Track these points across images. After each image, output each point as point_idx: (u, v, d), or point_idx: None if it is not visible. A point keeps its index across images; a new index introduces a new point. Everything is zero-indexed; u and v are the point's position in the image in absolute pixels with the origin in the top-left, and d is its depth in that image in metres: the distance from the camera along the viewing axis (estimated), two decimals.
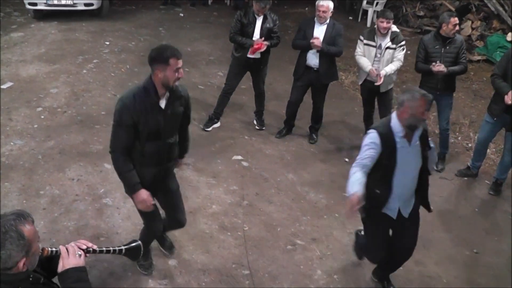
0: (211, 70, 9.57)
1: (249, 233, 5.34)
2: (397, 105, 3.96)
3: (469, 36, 12.78)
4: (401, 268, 4.80)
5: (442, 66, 6.45)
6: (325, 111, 7.52)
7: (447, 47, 6.56)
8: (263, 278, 4.75)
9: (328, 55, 6.78)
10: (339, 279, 4.87)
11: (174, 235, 5.08)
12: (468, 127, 8.35)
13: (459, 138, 8.05)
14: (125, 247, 2.82)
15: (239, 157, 6.70)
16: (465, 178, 6.90)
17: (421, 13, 14.21)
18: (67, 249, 2.53)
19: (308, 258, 5.09)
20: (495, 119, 6.31)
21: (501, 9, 12.54)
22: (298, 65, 7.03)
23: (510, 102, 5.89)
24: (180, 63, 3.80)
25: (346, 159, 7.01)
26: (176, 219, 4.54)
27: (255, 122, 7.56)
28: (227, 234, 5.27)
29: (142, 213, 4.26)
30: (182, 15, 13.26)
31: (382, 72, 6.51)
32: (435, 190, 6.57)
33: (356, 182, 3.86)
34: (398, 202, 4.19)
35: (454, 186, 6.78)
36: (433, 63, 6.49)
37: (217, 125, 7.39)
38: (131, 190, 4.04)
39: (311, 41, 6.61)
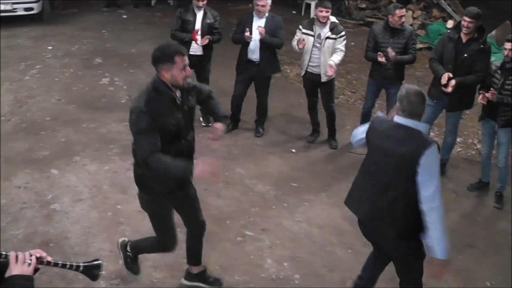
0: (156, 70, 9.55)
1: None
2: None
3: (411, 25, 13.10)
4: (349, 250, 4.97)
5: (393, 53, 6.68)
6: (271, 104, 7.66)
7: (396, 38, 6.78)
8: (214, 271, 4.83)
9: (269, 46, 6.91)
10: (289, 266, 5.00)
11: (125, 234, 5.11)
12: None
13: None
14: (84, 264, 2.66)
15: None
16: None
17: (363, 5, 14.53)
18: (17, 255, 2.46)
19: (258, 248, 5.21)
20: (435, 101, 6.57)
21: (443, 1, 12.95)
22: (240, 59, 7.16)
23: (450, 89, 6.18)
24: (186, 60, 3.72)
25: (293, 150, 7.19)
26: (201, 222, 4.44)
27: (201, 119, 7.62)
28: (177, 231, 5.32)
29: (158, 227, 4.19)
30: (125, 16, 13.22)
31: (331, 63, 6.69)
32: None
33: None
34: None
35: None
36: (379, 53, 6.71)
37: None
38: (188, 171, 3.70)
39: (256, 28, 6.81)
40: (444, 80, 6.20)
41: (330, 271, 4.95)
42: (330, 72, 6.70)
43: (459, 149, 7.77)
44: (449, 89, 6.20)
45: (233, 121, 7.53)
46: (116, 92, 8.62)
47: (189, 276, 4.61)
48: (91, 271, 2.69)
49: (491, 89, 6.00)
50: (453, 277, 5.03)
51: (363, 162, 3.98)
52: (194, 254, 4.53)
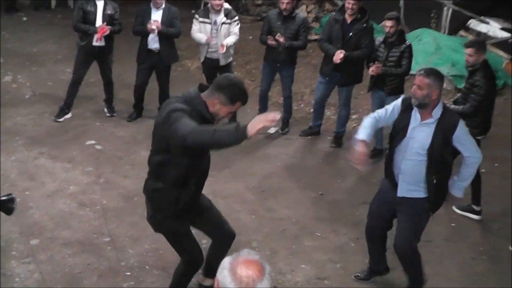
0: (59, 67, 9.59)
1: (107, 205, 5.65)
2: None
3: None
4: (253, 216, 5.41)
5: (283, 38, 7.13)
6: (171, 93, 7.93)
7: (288, 24, 7.25)
8: (124, 242, 5.09)
9: (167, 36, 7.20)
10: (196, 233, 5.25)
11: (34, 217, 5.27)
12: (309, 95, 9.15)
13: (302, 105, 8.84)
14: None
15: (93, 142, 6.95)
16: (309, 137, 7.66)
17: (260, 2, 15.08)
18: None
19: None
20: (327, 78, 7.17)
21: None
22: (140, 49, 7.40)
23: (339, 60, 6.77)
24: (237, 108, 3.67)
25: None
26: (226, 231, 4.27)
27: (105, 110, 7.78)
28: (86, 210, 5.54)
29: (182, 245, 4.01)
30: (25, 19, 13.01)
31: (223, 43, 7.08)
32: (281, 150, 7.30)
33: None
34: None
35: (299, 144, 7.53)
36: (269, 36, 7.16)
37: (69, 115, 7.52)
38: (241, 132, 3.20)
39: (151, 22, 7.03)
40: (337, 58, 6.77)
41: (236, 235, 5.31)
42: (222, 50, 7.09)
43: (355, 125, 8.36)
44: (338, 60, 6.78)
45: (137, 110, 7.75)
46: (20, 89, 8.59)
47: None
48: (6, 205, 2.87)
49: (376, 61, 6.65)
50: (352, 230, 5.62)
51: None
52: (214, 266, 4.04)
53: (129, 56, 9.09)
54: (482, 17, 14.25)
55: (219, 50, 7.12)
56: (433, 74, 4.22)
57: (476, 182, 5.75)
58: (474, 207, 6.05)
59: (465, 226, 5.92)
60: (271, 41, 7.15)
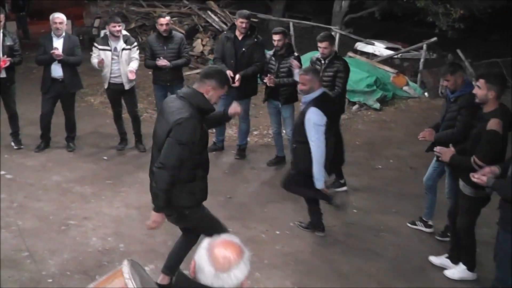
0: None
1: (23, 226, 5.76)
2: None
3: (202, 52, 14.49)
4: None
5: (165, 61, 7.56)
6: (79, 126, 8.18)
7: (168, 45, 7.70)
8: (44, 255, 5.23)
9: (69, 64, 7.44)
10: (113, 239, 5.58)
11: None
12: None
13: None
14: None
15: (2, 172, 7.00)
16: (214, 152, 8.06)
17: None
18: None
19: (83, 232, 5.72)
20: (225, 93, 7.57)
21: (224, 26, 14.42)
22: (44, 78, 7.56)
23: (236, 84, 7.23)
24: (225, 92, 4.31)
25: (105, 158, 7.76)
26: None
27: (12, 143, 7.84)
28: (2, 232, 5.61)
29: (211, 226, 4.36)
30: None
31: (131, 69, 7.48)
32: None
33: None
34: None
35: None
36: (157, 58, 7.58)
37: None
38: (161, 208, 4.13)
39: (51, 51, 7.23)
40: (228, 76, 7.23)
41: (150, 237, 5.61)
42: (132, 77, 7.46)
43: (256, 139, 8.97)
44: (237, 84, 7.27)
45: (45, 141, 7.87)
46: None
47: None
48: None
49: (269, 74, 7.21)
50: (261, 224, 6.08)
51: None
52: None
53: (30, 96, 9.25)
54: (367, 40, 15.57)
55: (129, 76, 7.44)
56: (311, 70, 5.42)
57: None
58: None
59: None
60: (161, 63, 7.57)
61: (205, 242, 2.22)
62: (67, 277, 4.93)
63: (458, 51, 13.99)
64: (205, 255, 2.16)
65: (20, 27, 17.02)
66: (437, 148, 4.93)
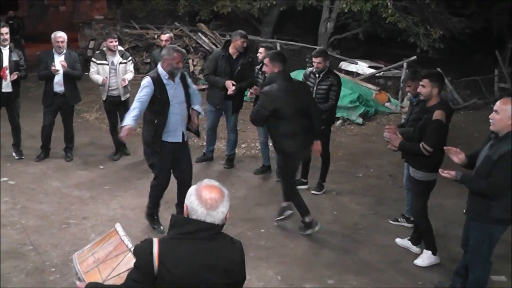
0: None
1: (27, 224, 6.25)
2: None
3: (193, 71, 15.06)
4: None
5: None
6: (76, 139, 8.71)
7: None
8: (47, 248, 5.72)
9: (71, 77, 7.97)
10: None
11: None
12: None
13: (194, 139, 9.77)
14: None
15: (5, 178, 7.49)
16: (204, 163, 8.59)
17: (148, 60, 16.10)
18: None
19: (82, 229, 6.20)
20: (217, 107, 8.12)
21: (214, 47, 15.04)
22: (47, 93, 8.08)
23: (232, 91, 7.77)
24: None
25: (101, 167, 8.24)
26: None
27: (14, 154, 8.33)
28: (7, 229, 6.10)
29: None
30: None
31: (124, 78, 8.08)
32: None
33: (131, 117, 5.53)
34: (180, 127, 5.89)
35: (195, 170, 8.35)
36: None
37: None
38: None
39: (54, 64, 7.78)
40: (229, 85, 7.78)
41: (144, 234, 6.07)
42: (124, 83, 8.05)
43: (244, 151, 9.48)
44: (233, 92, 7.81)
45: (45, 151, 8.37)
46: None
47: None
48: None
49: (255, 86, 7.74)
50: (247, 223, 6.61)
51: None
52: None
53: (29, 112, 9.75)
54: (351, 59, 16.21)
55: (122, 83, 8.01)
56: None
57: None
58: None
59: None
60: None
61: (191, 189, 2.79)
62: (69, 266, 5.35)
63: (438, 69, 14.60)
64: (195, 199, 2.74)
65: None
66: (386, 135, 5.56)
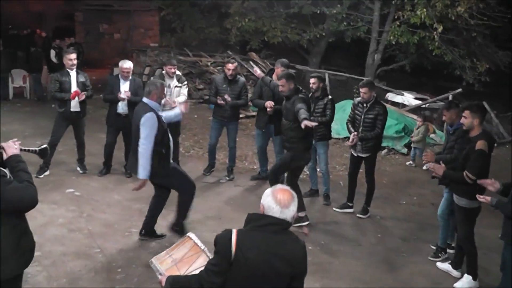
0: (29, 141, 10.64)
1: (93, 230, 6.82)
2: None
3: None
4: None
5: (229, 98, 8.75)
6: None
7: (232, 86, 8.87)
8: (112, 251, 6.28)
9: (134, 103, 8.56)
10: (170, 245, 6.47)
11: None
12: (251, 156, 10.69)
13: (246, 164, 10.31)
14: (39, 148, 4.33)
15: (72, 190, 8.14)
16: (256, 180, 9.18)
17: (201, 86, 16.83)
18: (5, 145, 3.93)
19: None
20: (263, 130, 8.64)
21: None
22: (110, 114, 8.75)
23: (270, 108, 8.30)
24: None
25: None
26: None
27: (78, 168, 8.99)
28: (75, 233, 6.69)
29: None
30: None
31: (176, 100, 8.61)
32: (231, 192, 8.65)
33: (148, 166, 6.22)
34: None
35: (245, 188, 8.91)
36: (218, 97, 8.75)
37: (47, 173, 8.67)
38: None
39: (120, 92, 8.44)
40: (268, 105, 8.33)
41: None
42: (174, 105, 8.42)
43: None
44: (270, 108, 8.34)
45: (106, 167, 9.00)
46: None
47: None
48: (43, 151, 4.38)
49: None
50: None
51: None
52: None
53: (88, 132, 10.39)
54: (397, 90, 16.56)
55: (171, 104, 8.47)
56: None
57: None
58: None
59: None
60: (220, 101, 8.70)
61: (268, 191, 3.37)
62: (132, 269, 5.93)
63: (484, 103, 14.81)
64: (272, 200, 3.30)
65: None
66: (430, 165, 5.92)
